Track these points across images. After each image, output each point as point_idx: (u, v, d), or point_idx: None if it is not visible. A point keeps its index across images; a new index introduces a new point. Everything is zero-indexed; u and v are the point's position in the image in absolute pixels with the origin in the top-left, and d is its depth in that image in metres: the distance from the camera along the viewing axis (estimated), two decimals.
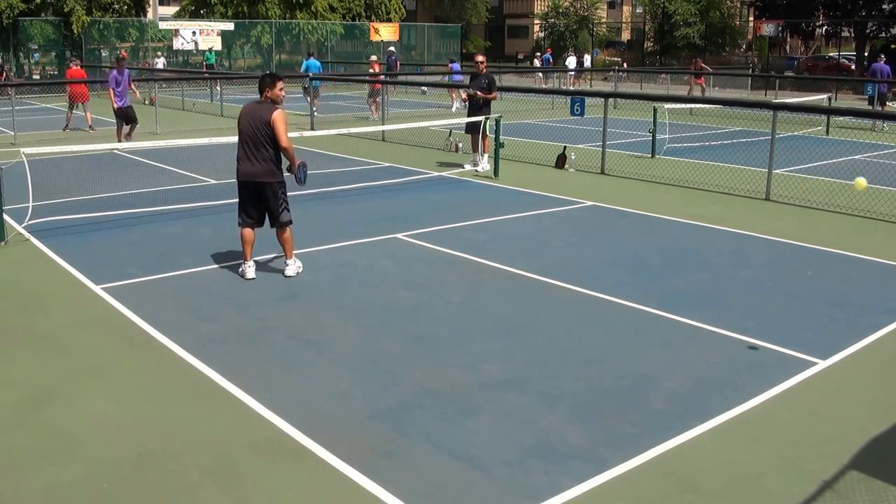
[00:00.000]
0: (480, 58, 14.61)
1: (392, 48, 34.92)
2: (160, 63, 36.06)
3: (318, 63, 27.45)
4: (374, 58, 27.50)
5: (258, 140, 7.36)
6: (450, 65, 30.84)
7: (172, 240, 9.10)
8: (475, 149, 14.07)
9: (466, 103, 14.03)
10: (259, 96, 7.55)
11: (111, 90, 17.21)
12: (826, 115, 20.40)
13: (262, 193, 7.52)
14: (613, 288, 7.37)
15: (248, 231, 7.62)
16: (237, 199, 7.68)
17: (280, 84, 7.51)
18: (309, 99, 21.44)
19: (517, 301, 7.14)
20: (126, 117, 17.21)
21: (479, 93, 13.69)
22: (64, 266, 8.04)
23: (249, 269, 7.61)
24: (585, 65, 39.10)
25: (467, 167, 13.94)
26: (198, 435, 4.69)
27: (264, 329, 6.36)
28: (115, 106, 17.17)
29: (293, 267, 7.71)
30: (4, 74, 28.67)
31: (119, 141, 16.62)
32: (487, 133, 13.64)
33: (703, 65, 32.59)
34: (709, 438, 4.68)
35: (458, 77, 28.93)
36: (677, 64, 44.85)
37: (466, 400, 5.15)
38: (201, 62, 37.87)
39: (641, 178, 13.28)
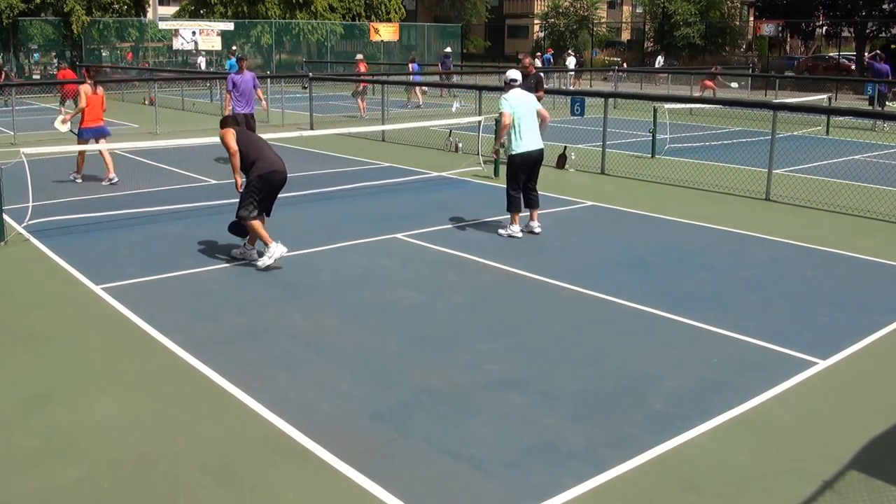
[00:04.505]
0: (528, 60, 14.41)
1: (448, 49, 34.98)
2: (202, 62, 36.33)
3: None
4: (359, 56, 27.57)
5: None
6: (410, 64, 30.51)
7: (172, 240, 9.10)
8: None
9: None
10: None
11: (228, 93, 14.49)
12: (826, 115, 20.40)
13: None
14: (613, 288, 7.37)
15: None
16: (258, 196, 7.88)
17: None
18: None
19: (517, 301, 7.14)
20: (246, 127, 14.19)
21: None
22: (64, 266, 8.04)
23: (281, 247, 7.89)
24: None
25: None
26: (198, 435, 4.69)
27: (264, 329, 6.36)
28: (234, 112, 13.96)
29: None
30: (4, 74, 28.74)
31: None
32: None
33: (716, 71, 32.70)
34: (709, 438, 4.68)
35: (418, 78, 28.86)
36: (678, 64, 44.84)
37: (467, 400, 5.15)
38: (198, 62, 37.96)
39: (641, 178, 13.28)
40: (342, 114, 22.76)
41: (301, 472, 4.30)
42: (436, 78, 31.98)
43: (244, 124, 14.07)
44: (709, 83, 27.98)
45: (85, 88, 12.44)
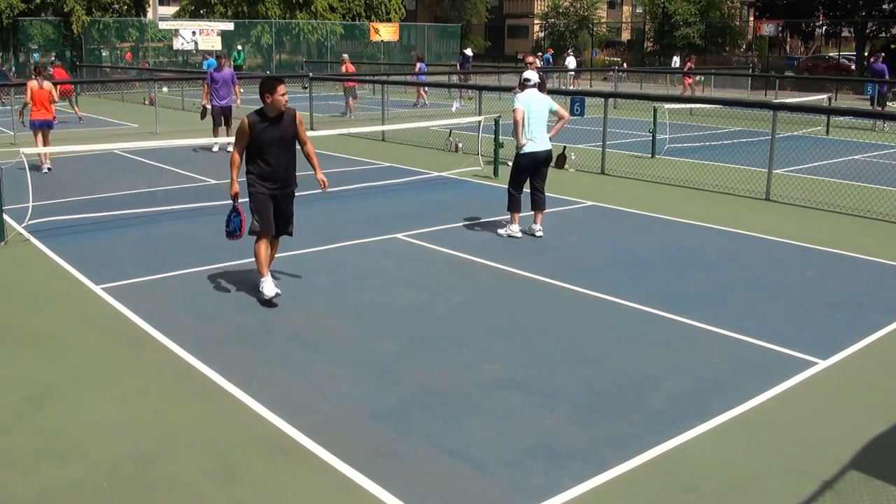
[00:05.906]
0: (530, 59, 14.32)
1: (468, 50, 34.97)
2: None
3: (214, 62, 28.60)
4: (345, 56, 27.67)
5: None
6: (418, 64, 30.47)
7: (172, 240, 9.10)
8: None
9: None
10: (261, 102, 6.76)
11: (207, 86, 16.13)
12: (826, 115, 20.41)
13: (289, 201, 7.11)
14: (613, 288, 7.37)
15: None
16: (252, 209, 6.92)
17: (281, 89, 6.68)
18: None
19: (517, 301, 7.14)
20: (223, 117, 15.82)
21: None
22: (64, 266, 8.04)
23: (275, 288, 6.92)
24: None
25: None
26: (198, 435, 4.69)
27: (264, 329, 6.36)
28: (212, 104, 15.90)
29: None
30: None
31: (215, 136, 15.33)
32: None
33: (691, 65, 32.80)
34: (709, 438, 4.68)
35: (423, 77, 28.97)
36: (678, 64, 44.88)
37: (466, 400, 5.15)
38: (200, 63, 37.91)
39: (641, 178, 13.28)
40: (341, 114, 22.77)
41: (301, 472, 4.30)
42: (439, 78, 31.96)
43: (222, 116, 15.65)
44: (687, 80, 28.08)
45: (31, 84, 13.71)
